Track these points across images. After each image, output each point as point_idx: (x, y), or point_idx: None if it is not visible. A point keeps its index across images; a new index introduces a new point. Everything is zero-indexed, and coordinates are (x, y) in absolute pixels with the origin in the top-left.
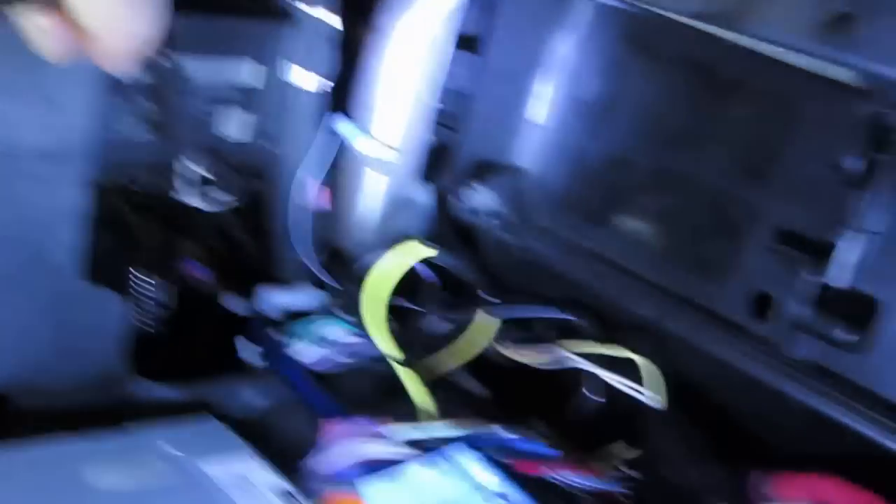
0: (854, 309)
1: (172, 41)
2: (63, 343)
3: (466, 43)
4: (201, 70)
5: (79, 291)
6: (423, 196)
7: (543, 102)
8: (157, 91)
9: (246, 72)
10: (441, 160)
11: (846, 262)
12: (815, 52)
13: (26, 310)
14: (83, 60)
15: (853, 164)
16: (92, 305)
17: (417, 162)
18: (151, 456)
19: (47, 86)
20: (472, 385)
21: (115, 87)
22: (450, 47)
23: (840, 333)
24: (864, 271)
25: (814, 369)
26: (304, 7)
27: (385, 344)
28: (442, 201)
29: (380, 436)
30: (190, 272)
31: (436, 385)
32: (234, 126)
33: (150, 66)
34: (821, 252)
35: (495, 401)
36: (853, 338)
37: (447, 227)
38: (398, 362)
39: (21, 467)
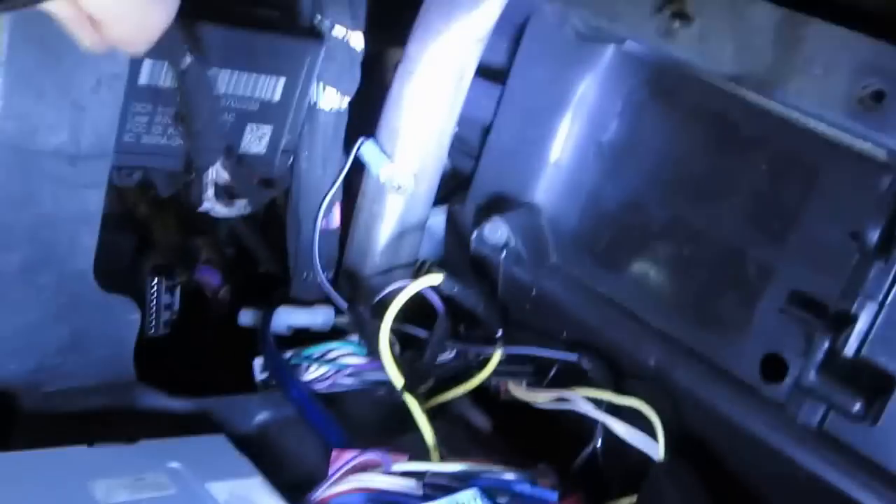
0: (865, 378)
1: (196, 44)
2: (75, 347)
3: (489, 72)
4: (229, 82)
5: (94, 297)
6: (437, 220)
7: (562, 141)
8: (181, 96)
9: (273, 87)
10: (457, 186)
11: (860, 331)
12: (847, 127)
13: (40, 312)
14: (112, 64)
15: (872, 235)
16: (106, 312)
17: (434, 187)
18: (159, 472)
19: (74, 90)
20: (475, 415)
21: (139, 91)
22: (472, 75)
23: (849, 402)
24: (877, 342)
25: (820, 436)
26: (334, 28)
27: (390, 370)
28: (455, 229)
29: (384, 469)
30: (204, 278)
31: (440, 411)
32: (256, 139)
33: (172, 67)
34: (835, 319)
35: (497, 433)
36: (861, 408)
37: (459, 256)
38: (401, 389)
39: (31, 475)
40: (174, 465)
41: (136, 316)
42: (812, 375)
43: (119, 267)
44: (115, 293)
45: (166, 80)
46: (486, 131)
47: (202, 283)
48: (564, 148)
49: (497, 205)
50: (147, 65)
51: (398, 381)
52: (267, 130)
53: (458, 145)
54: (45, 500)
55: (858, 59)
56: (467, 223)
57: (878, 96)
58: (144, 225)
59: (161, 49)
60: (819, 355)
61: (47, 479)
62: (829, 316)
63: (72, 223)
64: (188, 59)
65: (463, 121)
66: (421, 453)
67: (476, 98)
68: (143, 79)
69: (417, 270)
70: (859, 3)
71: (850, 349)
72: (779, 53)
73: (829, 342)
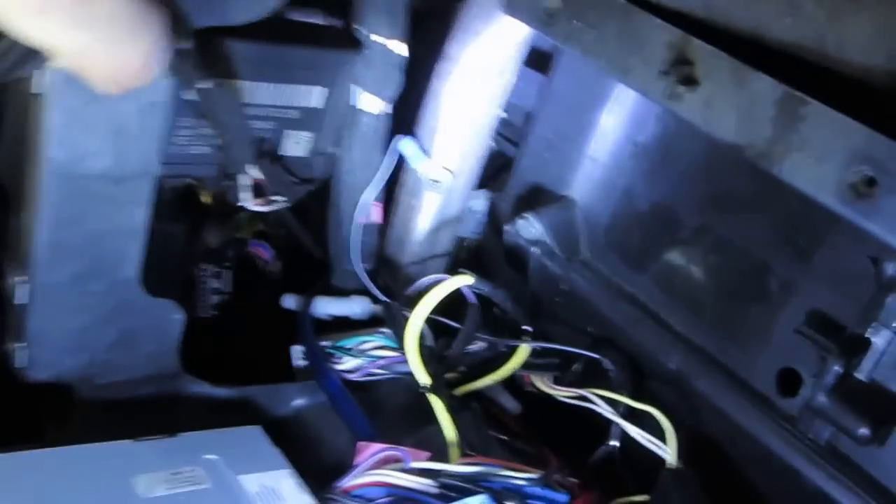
0: (875, 402)
1: (220, 63)
2: (124, 345)
3: (537, 60)
4: (267, 93)
5: (140, 301)
6: (478, 203)
7: (600, 137)
8: (204, 114)
9: (311, 96)
10: (499, 168)
11: (873, 357)
12: (836, 210)
13: (92, 315)
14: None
15: (890, 264)
16: (151, 314)
17: (472, 182)
18: (196, 465)
19: (117, 119)
20: (506, 398)
21: (182, 106)
22: (519, 66)
23: (855, 426)
24: (890, 367)
25: (829, 452)
26: (375, 37)
27: (416, 369)
28: (494, 216)
29: (404, 465)
30: (257, 251)
31: (466, 402)
32: (296, 143)
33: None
34: (849, 342)
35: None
36: (868, 432)
37: (495, 243)
38: (424, 389)
39: (79, 470)
40: (211, 456)
41: (180, 316)
42: (822, 397)
43: (172, 252)
44: (166, 286)
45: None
46: (529, 118)
47: (254, 256)
48: (602, 145)
49: (535, 196)
50: None
51: (423, 379)
52: (307, 136)
53: (502, 129)
54: (91, 495)
55: (852, 144)
56: (506, 212)
57: (870, 183)
58: (193, 209)
59: (177, 73)
60: (830, 379)
61: (93, 473)
62: (844, 339)
63: (119, 237)
64: (208, 83)
65: (508, 106)
66: (444, 447)
67: (522, 86)
68: (187, 94)
69: (457, 251)
70: (864, 78)
71: (862, 373)
72: (777, 130)
73: (842, 367)
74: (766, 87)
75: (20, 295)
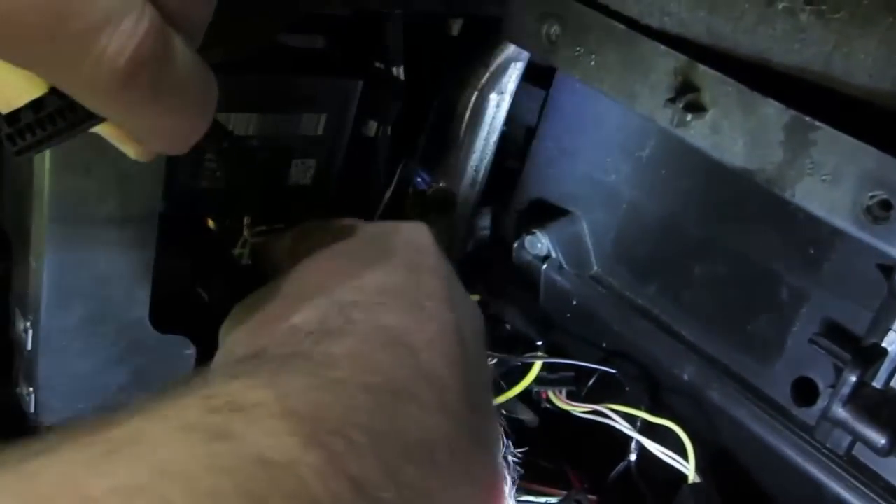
0: (893, 411)
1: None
2: (136, 384)
3: (536, 74)
4: (270, 124)
5: (150, 340)
6: (482, 222)
7: (601, 153)
8: (221, 154)
9: (315, 124)
10: (501, 183)
11: (889, 365)
12: (853, 234)
13: (102, 357)
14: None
15: None
16: (162, 351)
17: (477, 202)
18: None
19: (119, 162)
20: (523, 411)
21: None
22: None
23: (874, 437)
24: None
25: (849, 461)
26: (375, 63)
27: None
28: (499, 233)
29: None
30: None
31: None
32: (302, 172)
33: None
34: (864, 351)
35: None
36: (887, 443)
37: (503, 259)
38: None
39: None
40: None
41: (191, 350)
42: (839, 408)
43: (180, 287)
44: (172, 336)
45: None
46: (530, 131)
47: None
48: (605, 159)
49: (540, 211)
50: None
51: None
52: (312, 163)
53: (503, 144)
54: None
55: (865, 168)
56: (511, 227)
57: (886, 206)
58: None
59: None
60: (846, 389)
61: None
62: (858, 348)
63: (125, 279)
64: (224, 144)
65: (507, 120)
66: None
67: (522, 100)
68: None
69: (464, 265)
70: (872, 101)
71: (879, 382)
72: (788, 155)
73: (857, 376)
74: (774, 113)
75: (28, 341)
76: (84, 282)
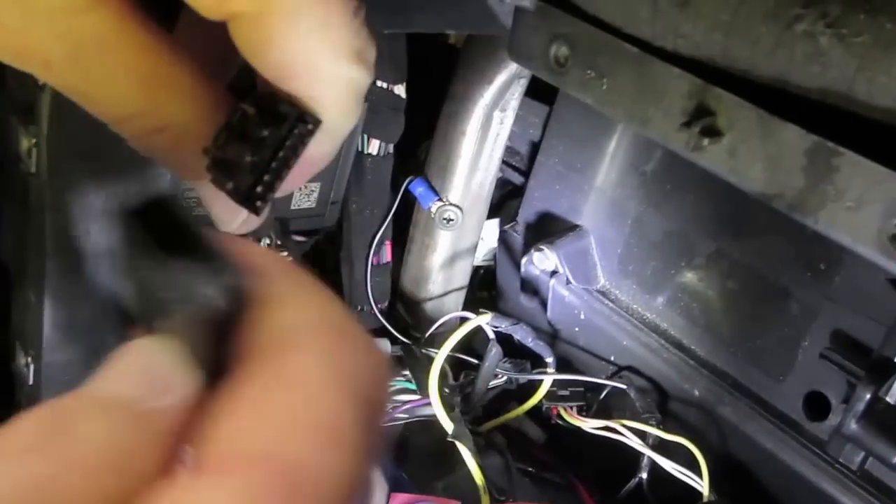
0: None
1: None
2: None
3: (539, 90)
4: None
5: None
6: (488, 236)
7: (605, 167)
8: None
9: None
10: (508, 196)
11: None
12: (878, 263)
13: None
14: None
15: None
16: None
17: (483, 216)
18: None
19: (120, 195)
20: (530, 427)
21: None
22: (516, 109)
23: (888, 453)
24: None
25: (862, 476)
26: (378, 82)
27: (441, 416)
28: (506, 247)
29: None
30: None
31: (491, 440)
32: (305, 196)
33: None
34: (876, 366)
35: (548, 446)
36: None
37: (511, 274)
38: (453, 437)
39: None
40: None
41: None
42: (852, 424)
43: None
44: None
45: None
46: (534, 146)
47: None
48: (609, 175)
49: (546, 225)
50: None
51: (448, 426)
52: (315, 187)
53: (508, 157)
54: None
55: (892, 195)
56: (518, 242)
57: None
58: None
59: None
60: (860, 405)
61: None
62: (870, 362)
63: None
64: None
65: (512, 134)
66: (473, 492)
67: (526, 115)
68: None
69: (472, 277)
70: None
71: (892, 397)
72: (810, 181)
73: (872, 392)
74: (794, 138)
75: (30, 375)
76: (86, 315)
